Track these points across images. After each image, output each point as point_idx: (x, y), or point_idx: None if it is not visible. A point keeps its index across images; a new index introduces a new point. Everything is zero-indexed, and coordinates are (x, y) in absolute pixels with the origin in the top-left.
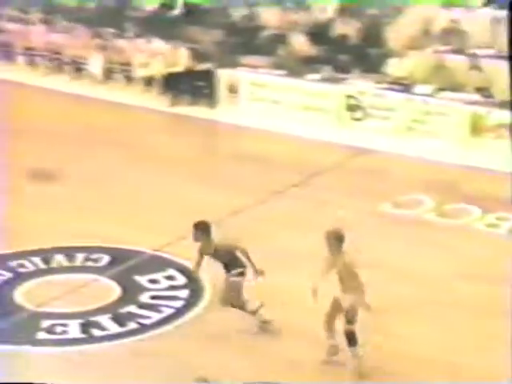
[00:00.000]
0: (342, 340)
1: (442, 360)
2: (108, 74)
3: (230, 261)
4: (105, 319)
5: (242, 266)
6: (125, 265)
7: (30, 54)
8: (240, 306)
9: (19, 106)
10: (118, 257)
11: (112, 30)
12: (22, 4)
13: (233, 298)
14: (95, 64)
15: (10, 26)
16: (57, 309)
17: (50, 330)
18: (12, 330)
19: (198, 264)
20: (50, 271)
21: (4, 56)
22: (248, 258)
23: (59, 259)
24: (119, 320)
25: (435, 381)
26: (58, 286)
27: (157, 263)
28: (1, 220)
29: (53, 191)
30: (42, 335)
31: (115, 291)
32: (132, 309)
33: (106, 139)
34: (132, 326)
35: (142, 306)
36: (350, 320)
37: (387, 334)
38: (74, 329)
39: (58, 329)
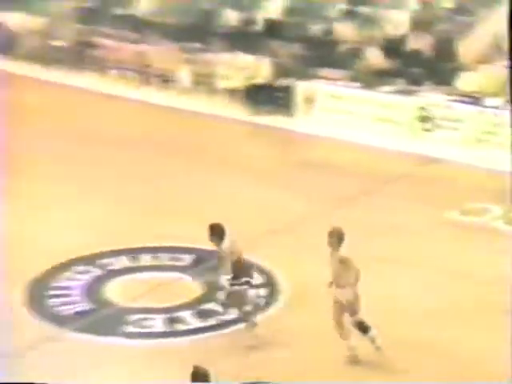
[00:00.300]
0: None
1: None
2: (194, 85)
3: (239, 269)
4: (188, 315)
5: (250, 275)
6: (207, 264)
7: (121, 67)
8: (244, 313)
9: (112, 117)
10: (201, 257)
11: (198, 45)
12: (114, 21)
13: (236, 306)
14: (183, 77)
15: (104, 41)
16: (143, 304)
17: (136, 324)
18: (101, 323)
19: None
20: (137, 269)
21: (97, 69)
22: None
23: (146, 258)
24: (201, 316)
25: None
26: (145, 284)
27: None
28: (93, 221)
29: (140, 194)
30: (129, 328)
31: (197, 289)
32: (213, 306)
33: (189, 147)
34: (213, 321)
35: (223, 303)
36: (353, 312)
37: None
38: (158, 323)
39: (144, 323)
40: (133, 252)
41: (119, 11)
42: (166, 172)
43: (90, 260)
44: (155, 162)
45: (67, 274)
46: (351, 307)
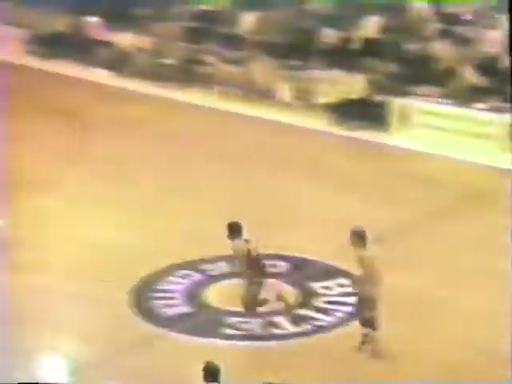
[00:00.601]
0: None
1: None
2: (293, 101)
3: (256, 268)
4: (282, 320)
5: (264, 276)
6: (302, 272)
7: (226, 83)
8: (258, 305)
9: (217, 130)
10: (296, 264)
11: (298, 62)
12: (219, 40)
13: (249, 301)
14: (283, 92)
15: (210, 59)
16: (241, 308)
17: (235, 327)
18: (202, 325)
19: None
20: (235, 275)
21: (204, 86)
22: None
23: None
24: (296, 321)
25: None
26: (241, 289)
27: (329, 271)
28: (195, 228)
29: (242, 205)
30: (228, 331)
31: (293, 295)
32: (308, 312)
33: (289, 160)
34: (307, 327)
35: (318, 309)
36: (371, 307)
37: None
38: (255, 326)
39: (243, 326)
40: (231, 258)
41: (224, 30)
42: (269, 183)
43: (191, 265)
44: (258, 174)
45: (170, 277)
46: (367, 303)
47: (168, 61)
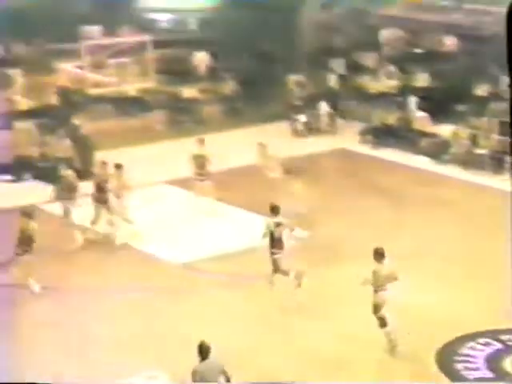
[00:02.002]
0: None
1: None
2: None
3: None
4: None
5: (282, 248)
6: None
7: None
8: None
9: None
10: None
11: None
12: None
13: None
14: None
15: None
16: None
17: None
18: None
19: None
20: None
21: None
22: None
23: None
24: None
25: None
26: None
27: None
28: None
29: None
30: None
31: None
32: None
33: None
34: None
35: None
36: (377, 309)
37: None
38: None
39: None
40: None
41: None
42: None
43: (491, 334)
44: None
45: (471, 343)
46: (378, 306)
47: (482, 151)
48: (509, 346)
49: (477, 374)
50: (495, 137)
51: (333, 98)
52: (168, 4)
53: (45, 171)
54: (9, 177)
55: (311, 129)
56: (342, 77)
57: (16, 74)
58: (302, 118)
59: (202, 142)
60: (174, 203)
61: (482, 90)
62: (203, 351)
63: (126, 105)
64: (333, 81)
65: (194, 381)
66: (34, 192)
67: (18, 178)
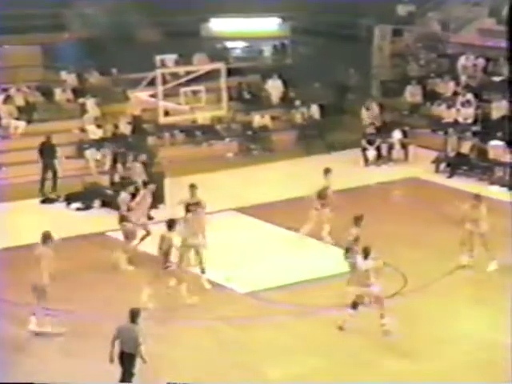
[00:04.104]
0: None
1: None
2: None
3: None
4: None
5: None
6: None
7: None
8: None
9: None
10: None
11: None
12: None
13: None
14: None
15: None
16: None
17: None
18: None
19: None
20: None
21: None
22: None
23: None
24: None
25: None
26: None
27: None
28: None
29: None
30: None
31: None
32: None
33: None
34: None
35: None
36: (361, 300)
37: None
38: None
39: None
40: None
41: None
42: None
43: None
44: None
45: None
46: (362, 298)
47: None
48: None
49: None
50: None
51: (407, 126)
52: (241, 31)
53: (114, 198)
54: (79, 204)
55: (383, 157)
56: (416, 105)
57: (89, 103)
58: (374, 146)
59: (327, 171)
60: (242, 230)
61: None
62: (134, 315)
63: (197, 133)
64: (406, 109)
65: (116, 338)
66: (103, 220)
67: (88, 206)
